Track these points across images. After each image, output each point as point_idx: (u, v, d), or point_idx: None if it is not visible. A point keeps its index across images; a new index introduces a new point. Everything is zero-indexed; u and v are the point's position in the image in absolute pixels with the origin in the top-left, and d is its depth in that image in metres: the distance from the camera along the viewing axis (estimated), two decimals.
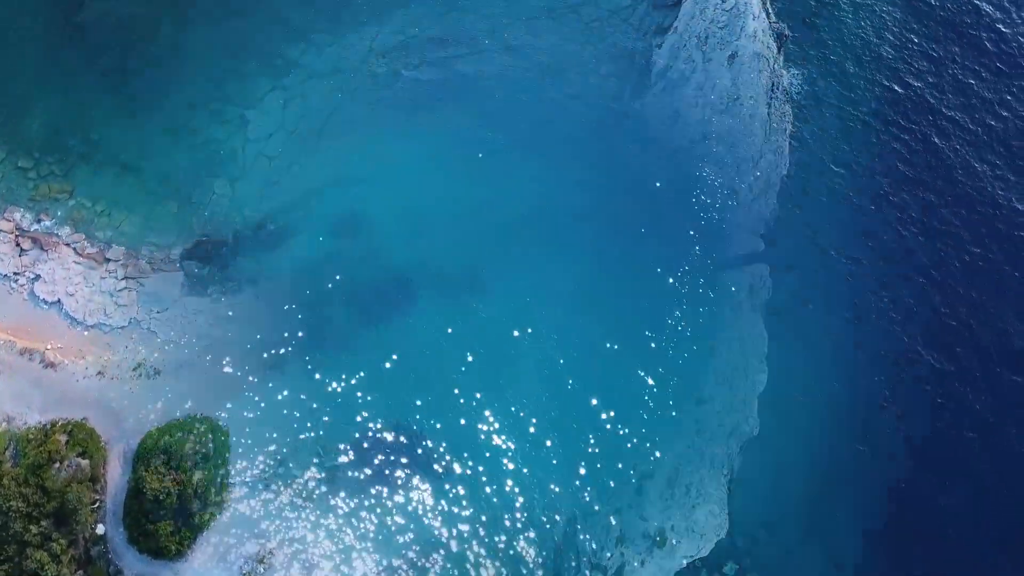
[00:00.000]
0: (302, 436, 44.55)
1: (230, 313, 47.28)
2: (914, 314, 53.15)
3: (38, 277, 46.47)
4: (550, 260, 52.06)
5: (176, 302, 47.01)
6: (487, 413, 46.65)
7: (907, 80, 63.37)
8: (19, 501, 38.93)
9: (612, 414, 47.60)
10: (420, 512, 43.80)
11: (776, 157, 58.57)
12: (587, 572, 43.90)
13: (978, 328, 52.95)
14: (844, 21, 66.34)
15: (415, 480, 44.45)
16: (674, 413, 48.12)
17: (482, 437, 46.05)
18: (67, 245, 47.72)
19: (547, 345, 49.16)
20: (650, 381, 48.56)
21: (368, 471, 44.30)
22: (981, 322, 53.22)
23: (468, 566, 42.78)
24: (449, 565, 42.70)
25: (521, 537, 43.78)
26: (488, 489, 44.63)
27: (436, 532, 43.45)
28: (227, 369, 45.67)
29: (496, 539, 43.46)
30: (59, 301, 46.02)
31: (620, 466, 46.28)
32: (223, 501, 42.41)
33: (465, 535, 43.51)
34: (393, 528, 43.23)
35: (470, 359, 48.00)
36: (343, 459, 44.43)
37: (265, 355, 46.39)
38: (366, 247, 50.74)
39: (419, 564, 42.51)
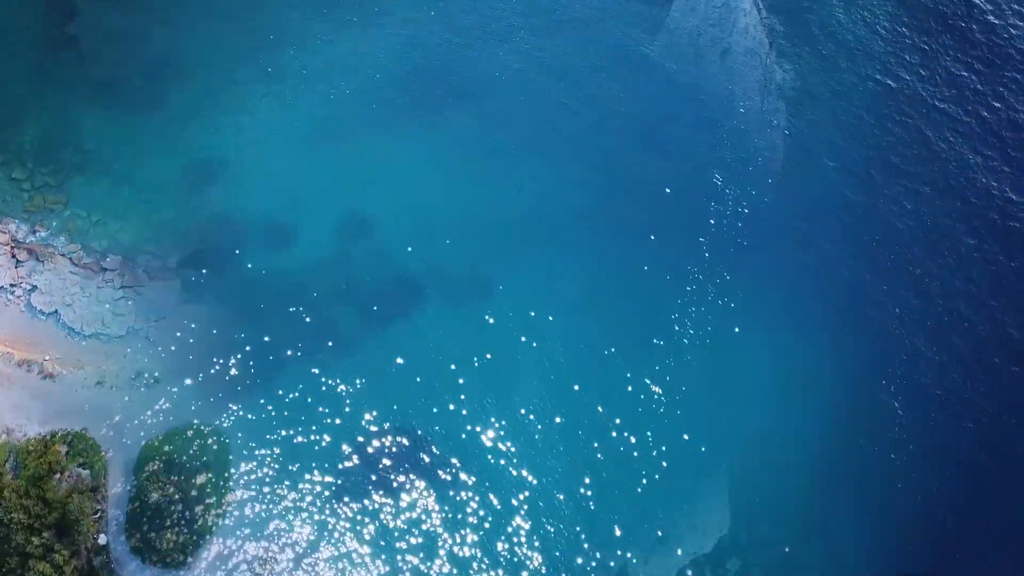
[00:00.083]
0: (304, 440, 44.48)
1: (228, 319, 47.19)
2: (911, 307, 53.27)
3: (35, 288, 46.37)
4: (554, 261, 52.05)
5: (174, 310, 46.90)
6: (492, 418, 46.53)
7: (899, 73, 63.56)
8: (20, 513, 38.73)
9: (618, 421, 47.34)
10: (423, 517, 43.65)
11: (771, 152, 58.73)
12: (590, 574, 43.82)
13: (975, 319, 53.09)
14: (835, 15, 66.60)
15: (419, 485, 44.33)
16: (680, 418, 47.79)
17: (487, 442, 45.94)
18: (63, 256, 47.63)
19: (553, 349, 48.97)
20: (656, 389, 48.36)
21: (371, 475, 44.23)
22: (978, 314, 53.35)
23: (471, 572, 42.72)
24: (453, 570, 42.65)
25: (524, 543, 43.68)
26: (492, 495, 44.47)
27: (439, 537, 43.35)
28: (227, 375, 45.60)
29: (499, 545, 43.37)
30: (56, 312, 45.92)
31: (625, 472, 45.98)
32: (225, 507, 42.32)
33: (468, 541, 43.43)
34: (396, 533, 43.10)
35: (475, 363, 47.91)
36: (346, 463, 44.35)
37: (265, 360, 46.30)
38: (366, 250, 50.72)
39: (422, 569, 42.40)
